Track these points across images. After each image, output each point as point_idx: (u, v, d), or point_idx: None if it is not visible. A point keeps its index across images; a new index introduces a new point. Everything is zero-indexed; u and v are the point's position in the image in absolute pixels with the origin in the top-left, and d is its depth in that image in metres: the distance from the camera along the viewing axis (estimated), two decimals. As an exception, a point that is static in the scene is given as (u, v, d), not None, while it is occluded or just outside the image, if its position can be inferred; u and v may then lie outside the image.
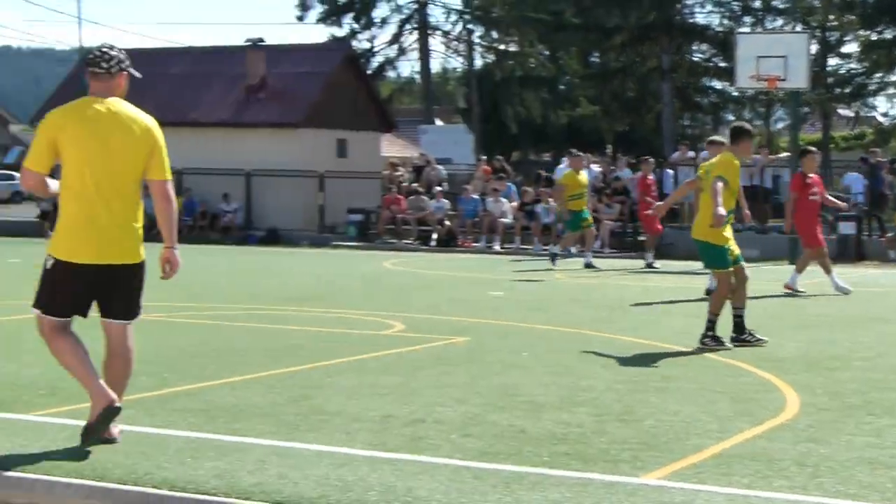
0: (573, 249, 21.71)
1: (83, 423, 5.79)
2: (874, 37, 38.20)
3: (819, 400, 7.22)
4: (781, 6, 39.00)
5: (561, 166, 26.55)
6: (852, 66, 40.00)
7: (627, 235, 26.04)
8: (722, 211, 9.42)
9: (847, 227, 23.20)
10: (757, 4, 39.78)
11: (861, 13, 37.18)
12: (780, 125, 46.06)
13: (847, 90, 39.86)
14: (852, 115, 45.01)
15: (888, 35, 37.89)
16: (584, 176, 20.09)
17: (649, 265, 20.02)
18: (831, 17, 38.22)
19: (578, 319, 11.87)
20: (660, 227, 20.39)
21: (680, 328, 10.93)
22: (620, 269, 20.03)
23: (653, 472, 5.29)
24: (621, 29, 38.92)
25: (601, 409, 6.83)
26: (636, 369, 8.53)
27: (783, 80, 21.94)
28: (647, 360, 8.98)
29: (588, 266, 19.73)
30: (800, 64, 22.05)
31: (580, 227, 19.82)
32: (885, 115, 45.63)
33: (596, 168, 27.43)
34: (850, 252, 22.56)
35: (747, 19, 39.76)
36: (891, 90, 40.42)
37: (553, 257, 19.74)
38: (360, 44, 49.47)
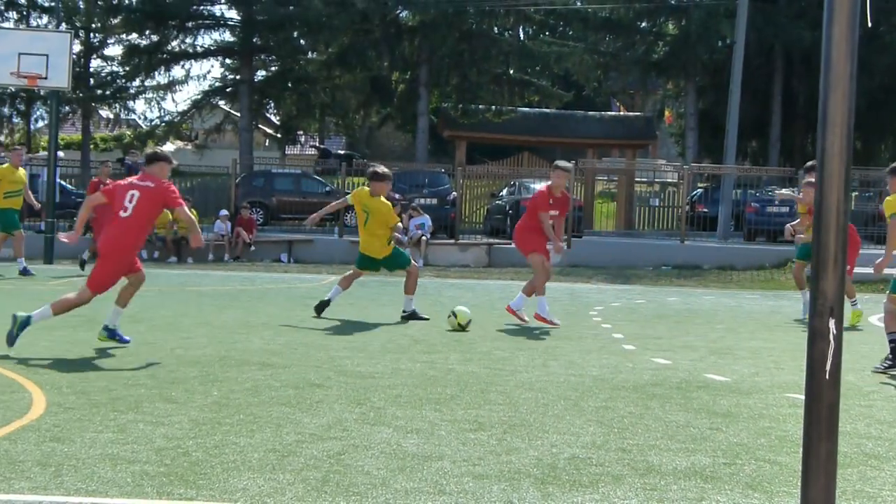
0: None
1: None
2: (137, 41, 39.08)
3: (66, 399, 7.15)
4: (47, 4, 38.64)
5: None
6: (115, 68, 39.86)
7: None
8: None
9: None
10: (22, 0, 39.18)
11: (126, 17, 37.87)
12: (41, 123, 45.07)
13: (108, 91, 39.94)
14: (112, 116, 45.27)
15: (150, 40, 38.95)
16: (22, 172, 18.76)
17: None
18: (96, 19, 38.48)
19: None
20: None
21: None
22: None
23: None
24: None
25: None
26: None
27: (44, 78, 21.82)
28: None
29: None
30: (61, 63, 22.11)
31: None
32: (144, 117, 46.59)
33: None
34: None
35: (11, 14, 38.99)
36: (150, 94, 41.42)
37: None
38: None
